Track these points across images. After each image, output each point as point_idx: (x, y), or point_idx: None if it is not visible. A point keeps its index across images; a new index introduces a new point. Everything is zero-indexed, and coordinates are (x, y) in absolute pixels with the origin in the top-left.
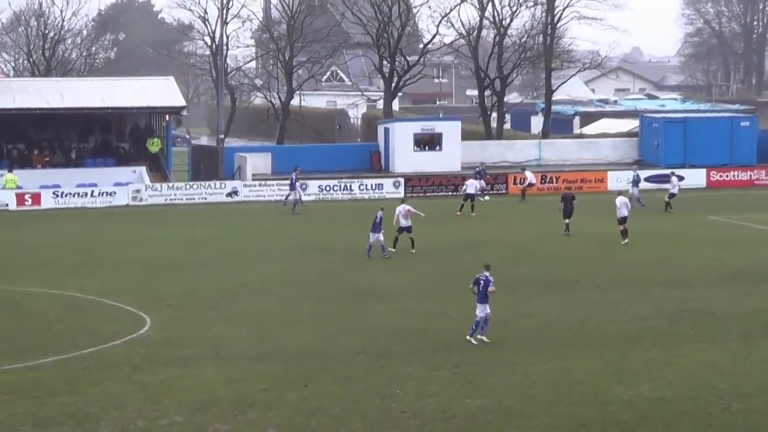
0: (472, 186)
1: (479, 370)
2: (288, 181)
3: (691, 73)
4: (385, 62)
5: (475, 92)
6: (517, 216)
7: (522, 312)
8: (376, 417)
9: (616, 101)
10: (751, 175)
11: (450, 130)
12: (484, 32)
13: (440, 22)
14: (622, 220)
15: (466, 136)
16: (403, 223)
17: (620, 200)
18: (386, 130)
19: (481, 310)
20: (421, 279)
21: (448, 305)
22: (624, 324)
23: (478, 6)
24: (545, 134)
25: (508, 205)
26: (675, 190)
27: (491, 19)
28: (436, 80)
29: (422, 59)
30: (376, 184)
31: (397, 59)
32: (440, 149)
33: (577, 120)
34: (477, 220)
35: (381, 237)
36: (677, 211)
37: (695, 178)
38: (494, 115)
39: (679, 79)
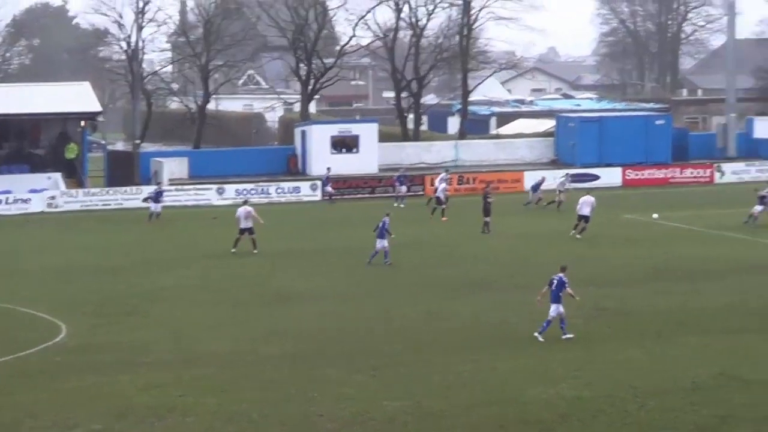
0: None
1: (397, 372)
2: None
3: (606, 73)
4: (301, 65)
5: (392, 94)
6: (436, 218)
7: (441, 313)
8: (295, 421)
9: (532, 101)
10: (666, 174)
11: (367, 132)
12: (400, 34)
13: (357, 24)
14: (581, 218)
15: (384, 137)
16: (243, 224)
17: (583, 199)
18: (303, 133)
19: (553, 310)
20: (338, 282)
21: (365, 308)
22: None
23: (394, 8)
24: (462, 135)
25: (425, 207)
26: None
27: (407, 20)
28: (353, 82)
29: (339, 61)
30: (293, 188)
31: (314, 62)
32: (357, 151)
33: (493, 120)
34: (393, 222)
35: (386, 243)
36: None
37: (611, 176)
38: (411, 116)
39: (595, 79)
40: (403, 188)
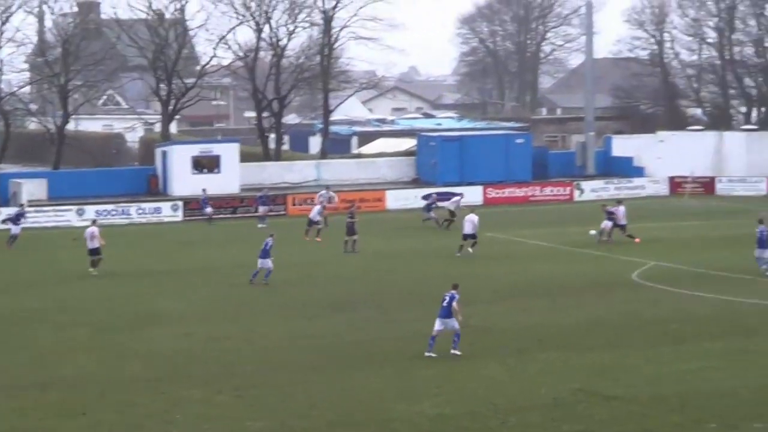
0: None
1: (261, 392)
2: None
3: (466, 92)
4: (162, 85)
5: (254, 114)
6: (298, 238)
7: (303, 333)
8: None
9: (393, 120)
10: (526, 192)
11: (228, 152)
12: (261, 54)
13: (217, 44)
14: (465, 237)
15: (245, 157)
16: (90, 244)
17: (467, 218)
18: (164, 153)
19: (438, 324)
20: (200, 303)
21: (228, 328)
22: (404, 342)
23: (254, 28)
24: (324, 154)
25: (288, 226)
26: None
27: (268, 40)
28: (213, 102)
29: (199, 81)
30: (154, 208)
31: (174, 82)
32: (219, 171)
33: (355, 140)
34: (255, 243)
35: (269, 263)
36: (457, 228)
37: (472, 195)
38: (272, 136)
39: (456, 98)
40: (265, 209)
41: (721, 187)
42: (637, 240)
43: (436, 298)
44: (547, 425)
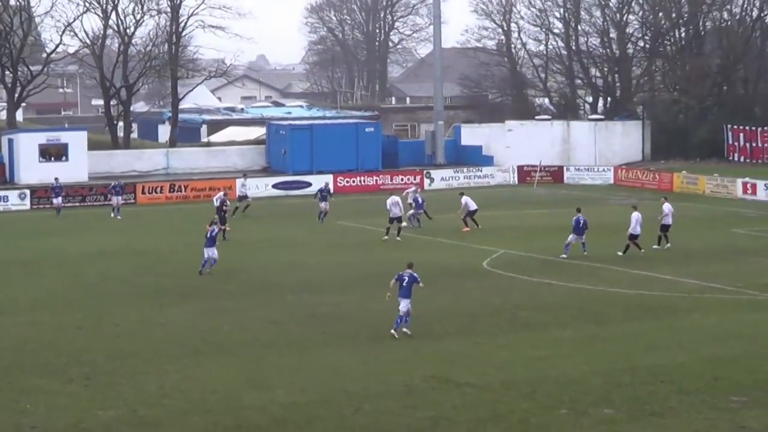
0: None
1: (112, 381)
2: None
3: (316, 81)
4: (7, 72)
5: (101, 102)
6: (148, 226)
7: (154, 321)
8: None
9: (242, 109)
10: (376, 180)
11: (76, 140)
12: (108, 41)
13: (64, 31)
14: (393, 220)
15: (93, 145)
16: None
17: (391, 200)
18: (10, 141)
19: (404, 305)
20: (47, 292)
21: (77, 317)
22: (257, 330)
23: (101, 15)
24: (173, 143)
25: (137, 215)
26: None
27: (115, 27)
28: (61, 90)
29: (46, 69)
30: (1, 196)
31: (20, 69)
32: (67, 160)
33: (204, 128)
34: (105, 231)
35: (215, 252)
36: (309, 217)
37: (322, 184)
38: (121, 124)
39: (305, 87)
40: (118, 199)
41: (569, 176)
42: (465, 229)
43: (288, 286)
44: (400, 412)
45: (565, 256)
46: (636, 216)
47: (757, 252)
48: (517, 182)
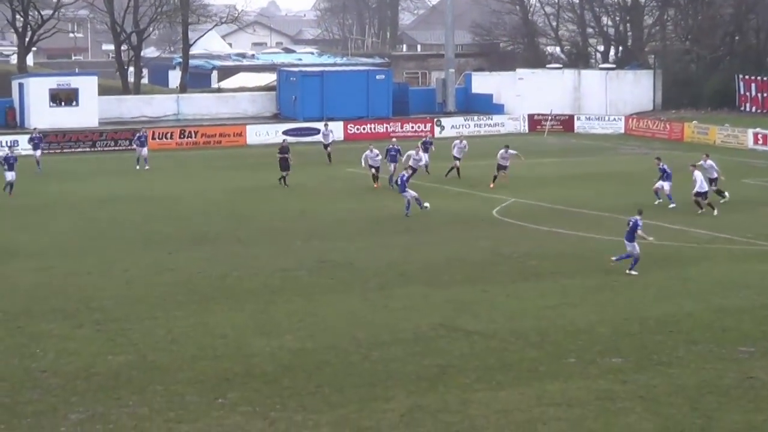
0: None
1: (121, 326)
2: None
3: (327, 28)
4: (18, 16)
5: (112, 47)
6: (158, 172)
7: (163, 267)
8: (17, 377)
9: (253, 55)
10: (387, 128)
11: (86, 85)
12: None
13: None
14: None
15: (104, 91)
16: None
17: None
18: (21, 86)
19: (631, 248)
20: (59, 237)
21: (87, 262)
22: (265, 277)
23: None
24: (183, 89)
25: (148, 160)
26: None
27: None
28: (71, 35)
29: (57, 13)
30: (12, 141)
31: (31, 13)
32: (77, 105)
33: (215, 74)
34: (116, 177)
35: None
36: (319, 164)
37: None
38: (131, 69)
39: (316, 33)
40: (143, 150)
41: (579, 125)
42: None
43: (297, 234)
44: (408, 359)
45: (674, 205)
46: (698, 174)
47: (767, 203)
48: (527, 131)
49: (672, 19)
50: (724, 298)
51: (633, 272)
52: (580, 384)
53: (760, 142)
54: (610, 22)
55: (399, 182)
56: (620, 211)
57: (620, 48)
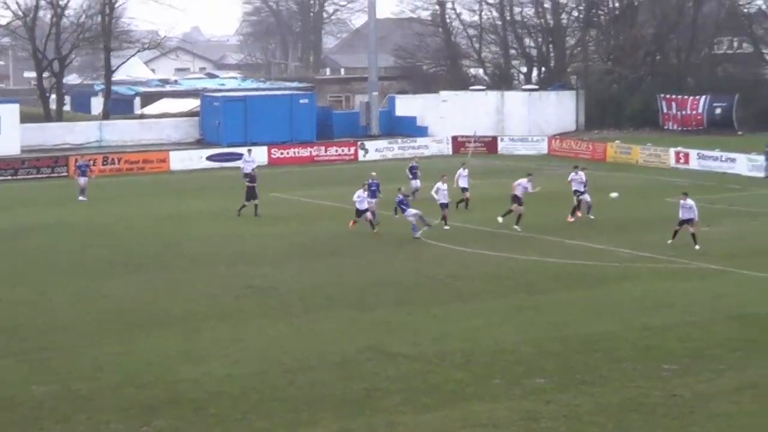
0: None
1: (46, 356)
2: None
3: (250, 52)
4: None
5: (34, 74)
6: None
7: (90, 295)
8: None
9: (176, 81)
10: (311, 152)
11: (8, 113)
12: (41, 13)
13: None
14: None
15: (25, 118)
16: None
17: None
18: None
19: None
20: None
21: (14, 291)
22: (192, 303)
23: None
24: (106, 115)
25: (71, 187)
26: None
27: None
28: None
29: None
30: None
31: None
32: None
33: (137, 100)
34: (40, 205)
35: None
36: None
37: (256, 155)
38: (54, 96)
39: (239, 58)
40: (84, 180)
41: (503, 147)
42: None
43: (223, 259)
44: (334, 383)
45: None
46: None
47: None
48: (451, 153)
49: (594, 40)
50: (648, 316)
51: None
52: (505, 405)
53: (682, 160)
54: (532, 44)
55: (398, 204)
56: (543, 231)
57: (543, 69)
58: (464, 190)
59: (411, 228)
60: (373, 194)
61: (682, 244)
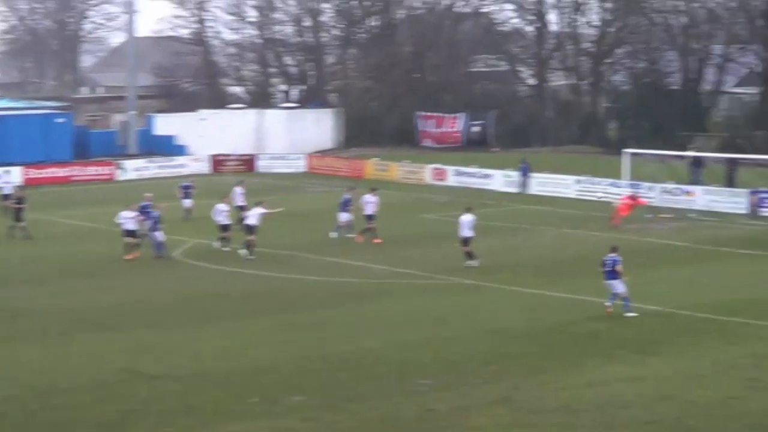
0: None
1: None
2: None
3: (5, 71)
4: None
5: None
6: None
7: None
8: None
9: None
10: (67, 172)
11: None
12: None
13: None
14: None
15: None
16: None
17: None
18: None
19: (618, 286)
20: None
21: None
22: None
23: None
24: None
25: None
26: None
27: None
28: None
29: None
30: None
31: None
32: None
33: None
34: None
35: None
36: None
37: (11, 177)
38: None
39: None
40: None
41: (262, 165)
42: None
43: None
44: (89, 406)
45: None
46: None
47: (445, 237)
48: (211, 171)
49: (354, 58)
50: (406, 332)
51: (631, 314)
52: (264, 424)
53: (439, 177)
54: (292, 62)
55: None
56: (302, 248)
57: (303, 87)
58: (242, 208)
59: (157, 248)
60: (146, 215)
61: (441, 260)
